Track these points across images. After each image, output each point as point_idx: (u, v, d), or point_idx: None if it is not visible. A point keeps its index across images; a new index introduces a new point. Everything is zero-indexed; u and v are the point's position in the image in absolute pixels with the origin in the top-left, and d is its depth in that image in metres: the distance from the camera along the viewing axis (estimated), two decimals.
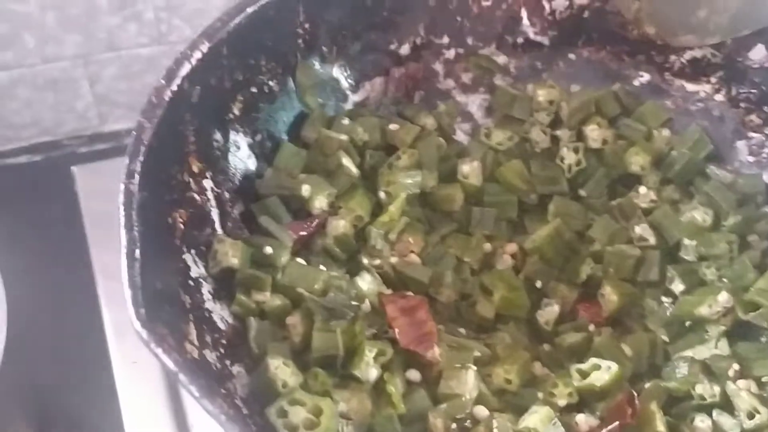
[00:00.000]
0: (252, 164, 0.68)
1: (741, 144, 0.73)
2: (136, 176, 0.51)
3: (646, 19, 0.72)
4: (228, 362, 0.54)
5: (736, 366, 0.60)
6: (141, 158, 0.52)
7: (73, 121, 0.93)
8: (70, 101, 0.92)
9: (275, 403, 0.52)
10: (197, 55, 0.59)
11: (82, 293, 0.76)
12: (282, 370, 0.54)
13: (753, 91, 0.72)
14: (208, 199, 0.62)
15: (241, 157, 0.67)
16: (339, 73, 0.75)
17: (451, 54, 0.80)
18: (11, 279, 0.69)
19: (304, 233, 0.65)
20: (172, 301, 0.52)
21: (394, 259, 0.66)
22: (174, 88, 0.57)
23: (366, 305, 0.60)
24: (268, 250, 0.62)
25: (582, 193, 0.74)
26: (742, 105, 0.73)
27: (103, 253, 0.79)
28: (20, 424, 0.72)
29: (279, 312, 0.59)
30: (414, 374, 0.58)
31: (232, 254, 0.60)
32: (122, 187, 0.50)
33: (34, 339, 0.72)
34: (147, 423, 0.69)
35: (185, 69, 0.58)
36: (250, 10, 0.64)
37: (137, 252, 0.47)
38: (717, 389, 0.58)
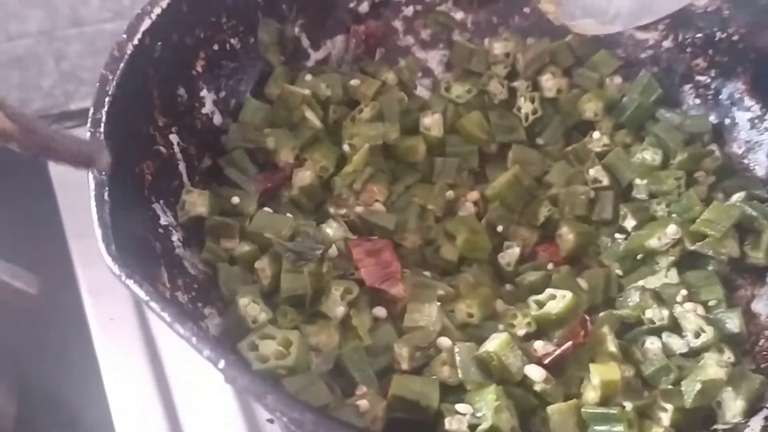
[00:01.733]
0: (217, 120, 0.69)
1: (688, 87, 0.76)
2: (102, 125, 0.52)
3: None
4: (200, 304, 0.57)
5: (684, 292, 0.63)
6: (105, 108, 0.53)
7: (40, 99, 0.92)
8: (36, 79, 0.91)
9: (246, 338, 0.54)
10: (157, 10, 0.61)
11: (55, 256, 0.77)
12: (252, 307, 0.56)
13: (698, 35, 0.75)
14: (175, 153, 0.63)
15: (207, 113, 0.68)
16: (300, 32, 0.77)
17: (409, 11, 0.82)
18: None
19: (270, 184, 0.67)
20: (143, 245, 0.54)
21: (359, 208, 0.69)
22: (135, 42, 0.58)
23: (333, 250, 0.63)
24: (236, 200, 0.64)
25: (539, 141, 0.77)
26: (689, 50, 0.76)
27: (74, 218, 0.80)
28: None
29: (248, 257, 0.61)
30: (380, 311, 0.61)
31: (200, 204, 0.62)
32: (88, 135, 0.52)
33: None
34: (126, 378, 0.70)
35: (146, 24, 0.60)
36: None
37: (106, 194, 0.49)
38: (665, 313, 0.62)
